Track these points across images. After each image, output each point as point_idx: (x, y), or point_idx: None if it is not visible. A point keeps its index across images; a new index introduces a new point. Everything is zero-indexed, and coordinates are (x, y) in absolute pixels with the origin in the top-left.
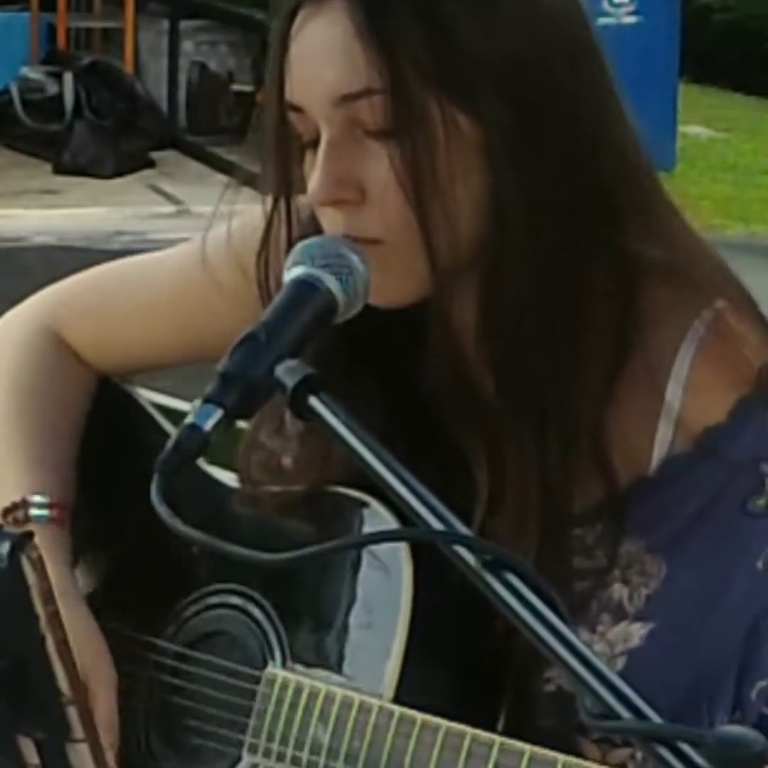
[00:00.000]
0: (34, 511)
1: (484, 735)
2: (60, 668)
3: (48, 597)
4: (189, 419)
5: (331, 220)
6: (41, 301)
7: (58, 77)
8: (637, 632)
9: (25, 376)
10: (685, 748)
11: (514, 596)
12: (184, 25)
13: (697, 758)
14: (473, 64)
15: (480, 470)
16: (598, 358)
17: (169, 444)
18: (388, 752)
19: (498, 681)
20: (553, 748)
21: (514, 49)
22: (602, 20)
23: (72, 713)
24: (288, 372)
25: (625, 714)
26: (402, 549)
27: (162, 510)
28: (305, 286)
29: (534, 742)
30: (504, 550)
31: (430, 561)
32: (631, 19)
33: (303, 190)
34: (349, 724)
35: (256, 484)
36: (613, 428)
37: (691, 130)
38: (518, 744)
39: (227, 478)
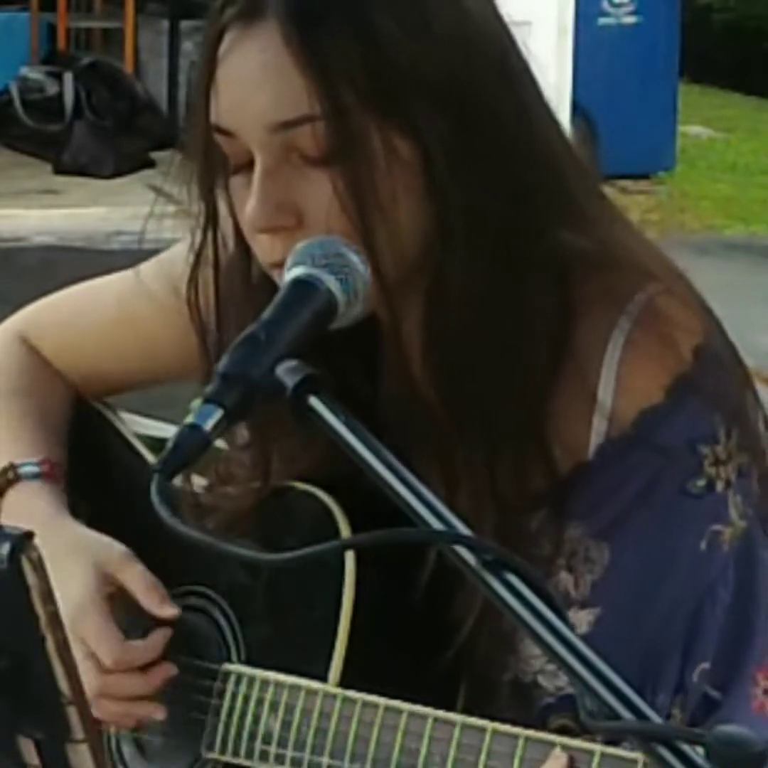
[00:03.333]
0: (24, 469)
1: (423, 710)
2: (60, 668)
3: (48, 597)
4: (189, 419)
5: (267, 247)
6: (18, 321)
7: (58, 77)
8: (584, 619)
9: (9, 379)
10: (685, 748)
11: (514, 596)
12: (184, 25)
13: (697, 758)
14: (409, 83)
15: (432, 484)
16: (538, 359)
17: (169, 444)
18: (332, 736)
19: (452, 675)
20: None
21: (448, 67)
22: (602, 20)
23: (72, 713)
24: (288, 372)
25: (626, 714)
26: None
27: (162, 510)
28: (305, 286)
29: None
30: (504, 550)
31: (378, 556)
32: (631, 19)
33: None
34: (297, 711)
35: (207, 487)
36: (552, 419)
37: (691, 130)
38: (455, 716)
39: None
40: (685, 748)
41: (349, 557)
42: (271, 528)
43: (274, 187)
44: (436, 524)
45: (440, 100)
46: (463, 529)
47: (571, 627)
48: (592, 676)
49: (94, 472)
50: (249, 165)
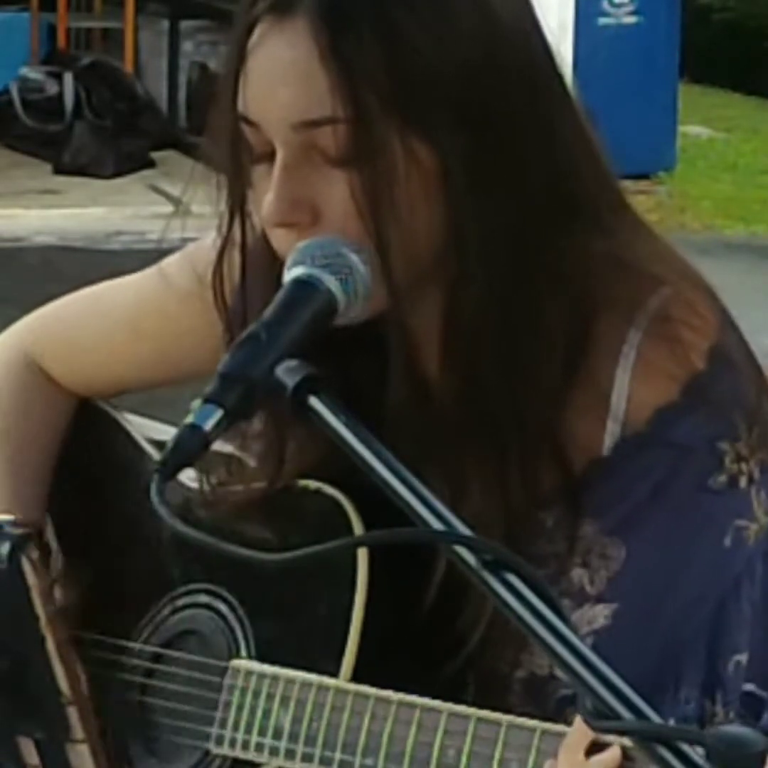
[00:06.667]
0: None
1: (436, 704)
2: (60, 668)
3: (48, 597)
4: (189, 419)
5: (282, 241)
6: (21, 330)
7: (58, 77)
8: (601, 613)
9: (3, 401)
10: (685, 748)
11: (514, 596)
12: (184, 25)
13: (697, 758)
14: (432, 91)
15: (439, 485)
16: (553, 362)
17: (169, 444)
18: (344, 730)
19: (459, 674)
20: None
21: (473, 74)
22: (602, 20)
23: (72, 713)
24: (288, 372)
25: (626, 714)
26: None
27: (162, 510)
28: (305, 286)
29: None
30: (505, 550)
31: (388, 555)
32: (631, 19)
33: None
34: (308, 706)
35: (218, 484)
36: (567, 419)
37: (691, 130)
38: (469, 710)
39: (186, 477)
40: (685, 748)
41: (362, 555)
42: (283, 524)
43: (292, 183)
44: (437, 524)
45: (462, 109)
46: (463, 529)
47: (572, 627)
48: (592, 675)
49: (101, 473)
50: (271, 156)
